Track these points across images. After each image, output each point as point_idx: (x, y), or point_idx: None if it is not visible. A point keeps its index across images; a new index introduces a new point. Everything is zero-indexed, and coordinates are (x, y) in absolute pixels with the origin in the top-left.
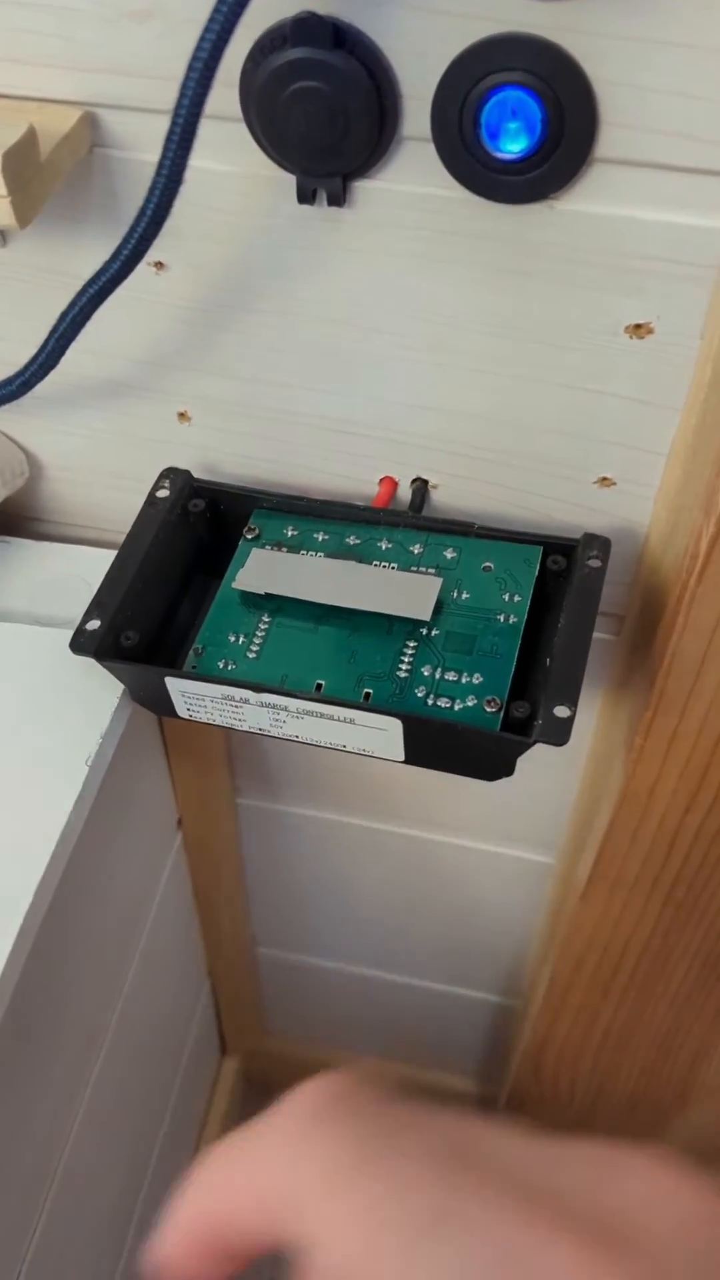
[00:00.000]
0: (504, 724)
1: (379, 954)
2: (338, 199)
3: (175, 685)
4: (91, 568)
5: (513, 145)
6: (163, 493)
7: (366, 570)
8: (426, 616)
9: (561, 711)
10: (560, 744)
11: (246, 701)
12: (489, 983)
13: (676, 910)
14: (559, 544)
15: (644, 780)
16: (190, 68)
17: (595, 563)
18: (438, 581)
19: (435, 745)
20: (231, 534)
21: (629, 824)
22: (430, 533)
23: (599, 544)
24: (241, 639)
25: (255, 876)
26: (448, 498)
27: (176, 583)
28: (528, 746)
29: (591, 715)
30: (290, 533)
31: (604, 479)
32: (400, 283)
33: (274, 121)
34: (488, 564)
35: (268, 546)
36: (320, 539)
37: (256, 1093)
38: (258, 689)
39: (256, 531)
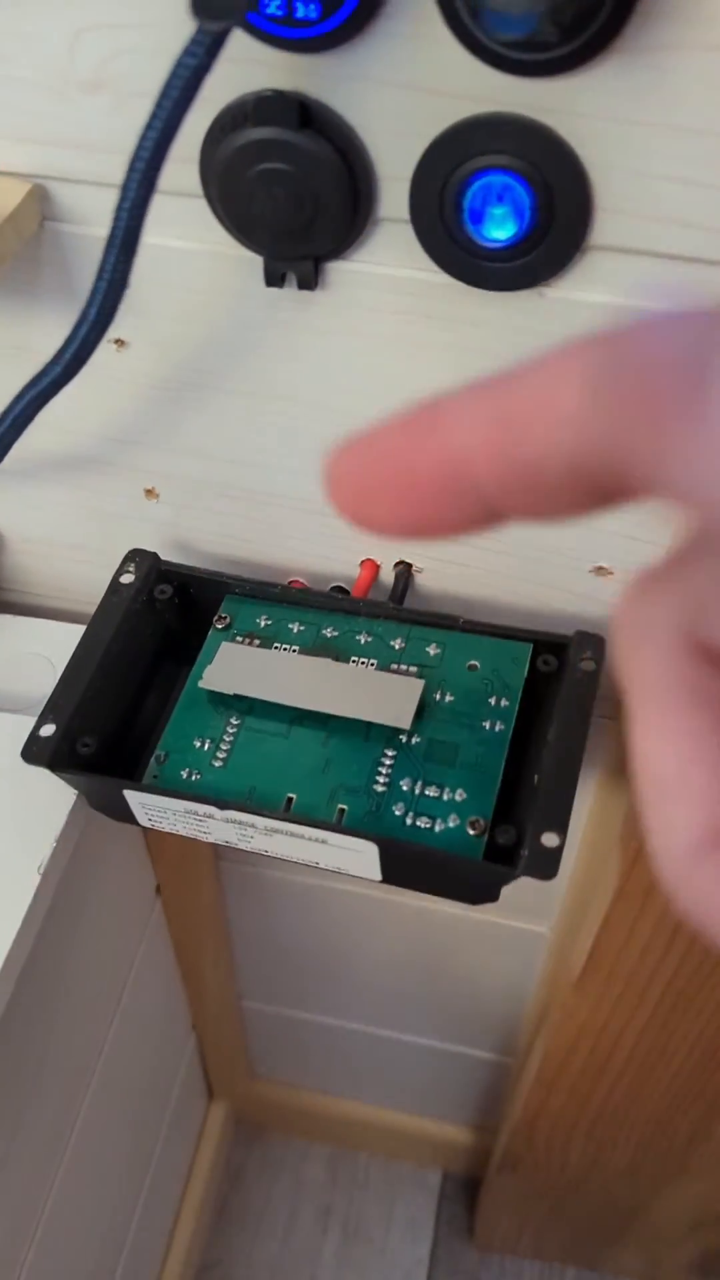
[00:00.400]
0: (488, 850)
1: (370, 1011)
2: (308, 283)
3: (135, 798)
4: (56, 644)
5: (499, 232)
6: (127, 577)
7: (343, 669)
8: (406, 725)
9: (550, 840)
10: (548, 878)
11: (211, 817)
12: (484, 1041)
13: (676, 999)
14: (550, 641)
15: (640, 879)
16: (135, 157)
17: (589, 665)
18: (419, 684)
19: (414, 869)
20: (202, 619)
21: (625, 919)
22: (413, 625)
23: (593, 644)
24: (208, 744)
25: (241, 938)
26: (433, 581)
27: (141, 675)
28: (513, 878)
29: (588, 795)
30: (263, 622)
31: (600, 568)
32: (380, 366)
33: (237, 203)
34: (473, 662)
35: (239, 638)
36: (295, 630)
37: (246, 1134)
38: (223, 805)
39: (227, 620)
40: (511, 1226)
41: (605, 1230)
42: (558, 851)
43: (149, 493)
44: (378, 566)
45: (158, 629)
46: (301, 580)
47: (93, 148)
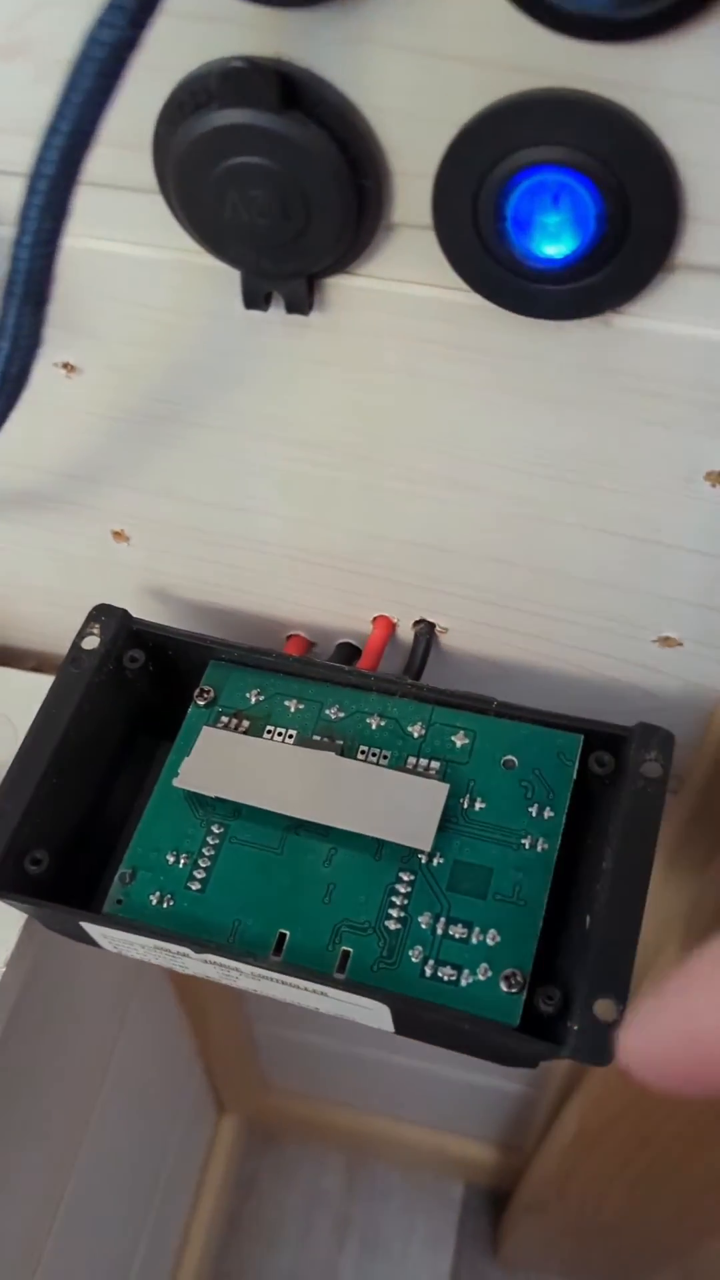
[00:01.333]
0: (527, 1014)
1: (388, 1039)
2: (300, 305)
3: (95, 930)
4: (17, 699)
5: (553, 247)
6: (90, 641)
7: (350, 769)
8: (427, 847)
9: (606, 1011)
10: (602, 1062)
11: (186, 955)
12: (509, 1073)
13: None
14: (605, 734)
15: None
16: (36, 174)
17: (653, 768)
18: (443, 790)
19: (435, 1030)
20: (182, 687)
21: None
22: (436, 706)
23: (659, 741)
24: (183, 860)
25: None
26: (461, 643)
27: (107, 762)
28: (556, 1056)
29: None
30: (254, 698)
31: (666, 638)
32: (395, 408)
33: (202, 209)
34: (510, 758)
35: (224, 718)
36: (293, 709)
37: (259, 1142)
38: (199, 946)
39: (211, 695)
40: (538, 1251)
41: (645, 1262)
42: (613, 1028)
43: (117, 535)
44: (393, 625)
45: (128, 703)
46: (302, 635)
47: (12, 128)
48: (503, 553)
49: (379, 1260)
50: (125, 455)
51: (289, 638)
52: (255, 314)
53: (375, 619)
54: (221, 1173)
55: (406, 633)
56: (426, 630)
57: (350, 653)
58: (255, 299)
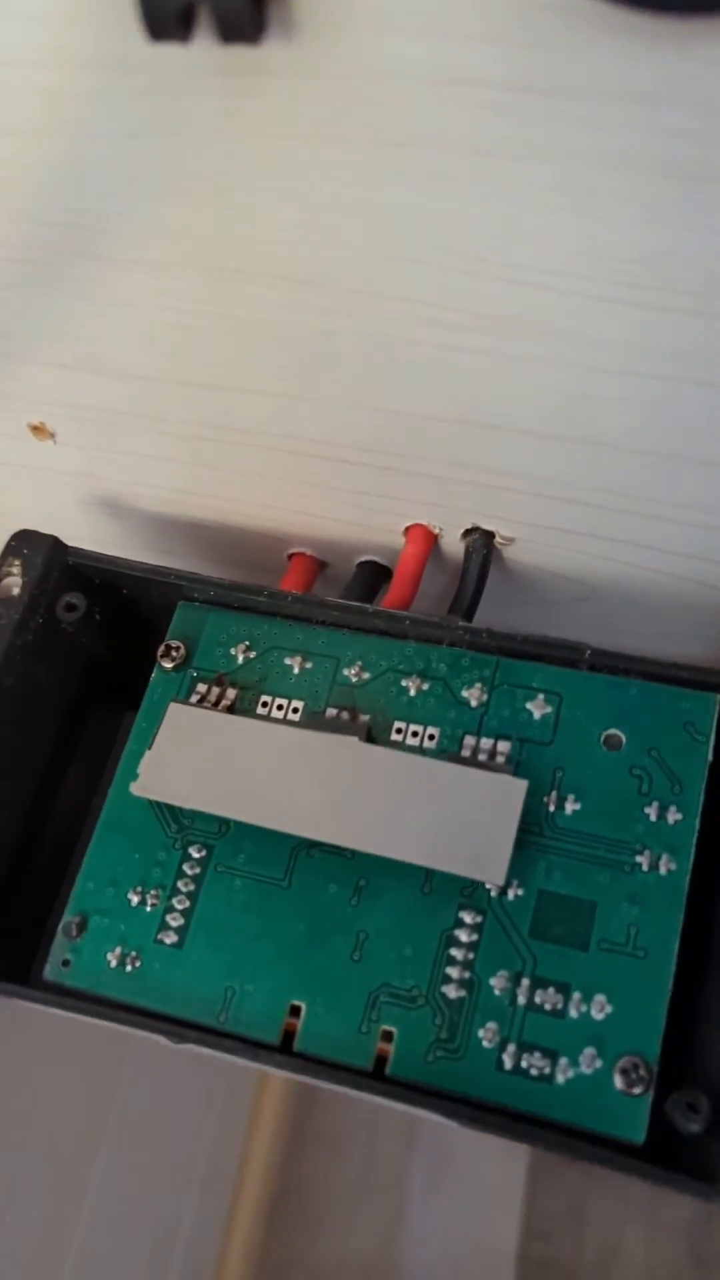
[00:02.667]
0: (655, 1124)
1: None
2: (242, 24)
3: (33, 1006)
4: None
5: None
6: (10, 584)
7: (380, 759)
8: (500, 879)
9: None
10: None
11: (162, 1038)
12: None
13: None
14: None
15: None
16: None
17: None
18: (519, 787)
19: (520, 1135)
20: (144, 639)
21: None
22: (502, 659)
23: None
24: (151, 900)
25: None
26: (531, 558)
27: (44, 752)
28: (709, 1200)
29: None
30: (242, 655)
31: None
32: (415, 201)
33: None
34: (614, 732)
35: (200, 687)
36: (296, 670)
37: None
38: (177, 1034)
39: (181, 653)
40: None
41: None
42: None
43: (37, 430)
44: (434, 536)
45: (70, 669)
46: (308, 553)
47: None
48: (586, 427)
49: (449, 1166)
50: (24, 313)
51: (290, 557)
52: (172, 53)
53: (409, 529)
54: (280, 1084)
55: (453, 547)
56: (481, 542)
57: (374, 576)
58: (164, 22)
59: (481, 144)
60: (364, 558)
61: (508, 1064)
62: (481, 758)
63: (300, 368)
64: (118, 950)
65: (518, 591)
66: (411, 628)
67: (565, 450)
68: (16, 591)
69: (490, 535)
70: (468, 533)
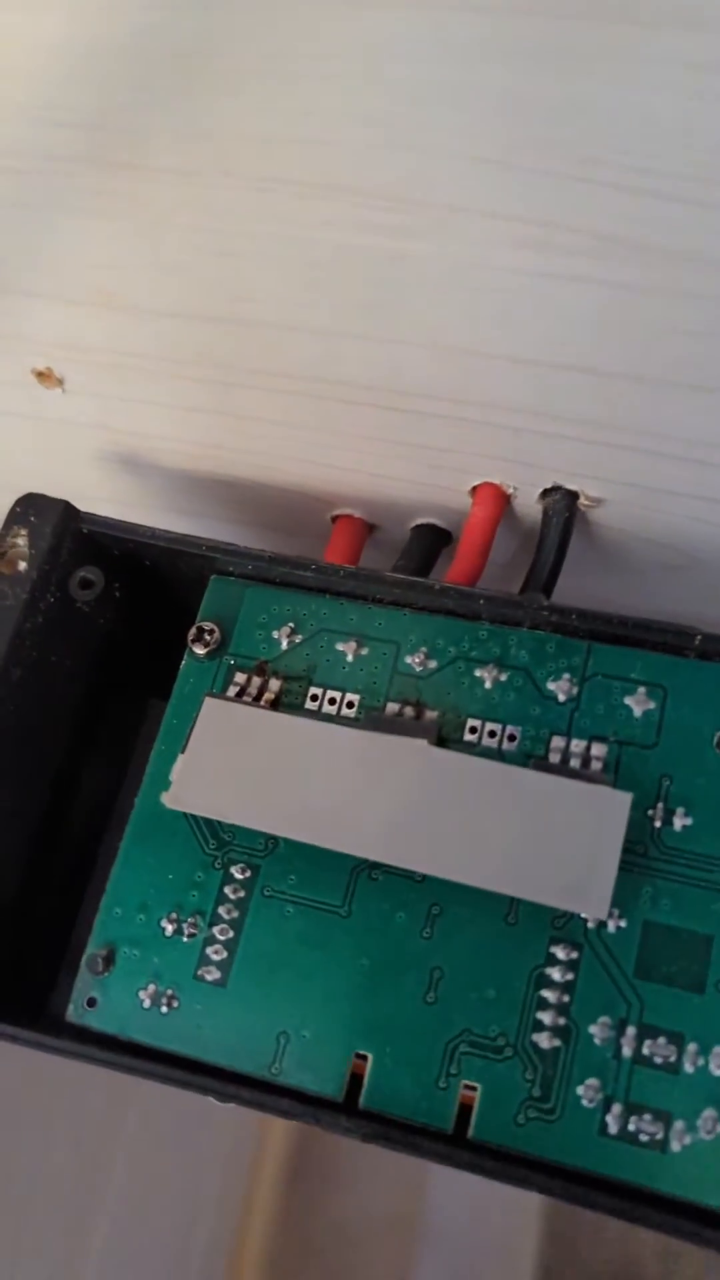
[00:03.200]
0: None
1: None
2: None
3: (52, 1055)
4: None
5: None
6: (15, 558)
7: (452, 766)
8: (603, 913)
9: None
10: None
11: (207, 1092)
12: None
13: None
14: None
15: None
16: None
17: None
18: (622, 801)
19: (626, 1215)
20: (172, 618)
21: None
22: (595, 644)
23: None
24: (188, 928)
25: None
26: (624, 523)
27: (60, 751)
28: None
29: None
30: (286, 639)
31: None
32: (536, 85)
33: None
34: None
35: (238, 677)
36: (350, 657)
37: None
38: (222, 1092)
39: (216, 636)
40: None
41: None
42: None
43: (43, 376)
44: (506, 496)
45: (87, 649)
46: (355, 514)
47: None
48: (713, 372)
49: None
50: (24, 237)
51: (335, 519)
52: None
53: (476, 489)
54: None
55: (528, 509)
56: (564, 504)
57: (433, 541)
58: None
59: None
60: (421, 520)
61: (612, 1127)
62: (573, 763)
63: (360, 301)
64: (151, 988)
65: (599, 559)
66: (486, 607)
67: (683, 399)
68: (24, 566)
69: (574, 496)
70: (547, 493)
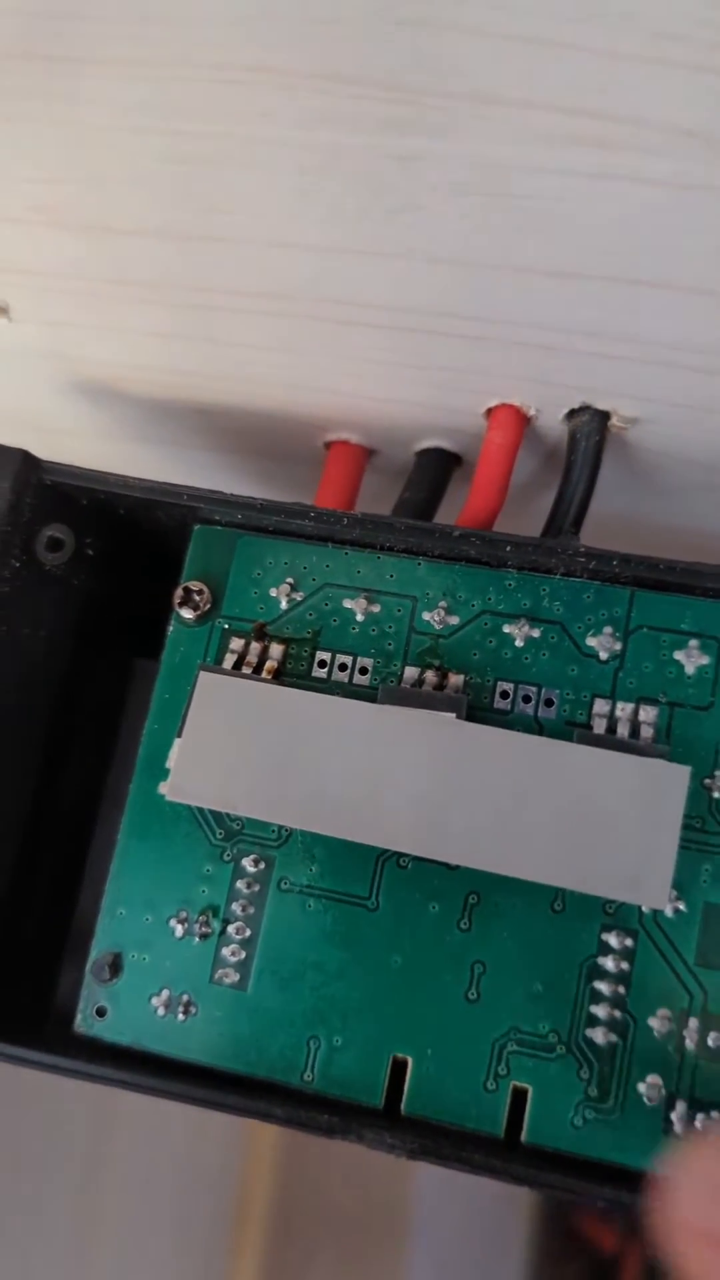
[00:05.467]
0: None
1: None
2: None
3: (55, 1076)
4: None
5: None
6: None
7: (485, 740)
8: (662, 903)
9: None
10: None
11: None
12: None
13: None
14: None
15: None
16: None
17: None
18: (680, 775)
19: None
20: (155, 573)
21: None
22: (638, 591)
23: None
24: (198, 928)
25: None
26: (664, 445)
27: (41, 732)
28: None
29: None
30: (284, 596)
31: None
32: None
33: None
34: None
35: (234, 642)
36: (358, 614)
37: None
38: (245, 1106)
39: (205, 597)
40: None
41: None
42: None
43: None
44: (526, 419)
45: (62, 616)
46: (352, 441)
47: None
48: None
49: None
50: None
51: (329, 445)
52: None
53: (492, 410)
54: None
55: (551, 431)
56: (593, 425)
57: (442, 467)
58: None
59: None
60: (427, 444)
61: (678, 1126)
62: (620, 731)
63: (360, 210)
64: (164, 994)
65: (630, 483)
66: (513, 554)
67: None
68: None
69: (605, 416)
70: (574, 414)
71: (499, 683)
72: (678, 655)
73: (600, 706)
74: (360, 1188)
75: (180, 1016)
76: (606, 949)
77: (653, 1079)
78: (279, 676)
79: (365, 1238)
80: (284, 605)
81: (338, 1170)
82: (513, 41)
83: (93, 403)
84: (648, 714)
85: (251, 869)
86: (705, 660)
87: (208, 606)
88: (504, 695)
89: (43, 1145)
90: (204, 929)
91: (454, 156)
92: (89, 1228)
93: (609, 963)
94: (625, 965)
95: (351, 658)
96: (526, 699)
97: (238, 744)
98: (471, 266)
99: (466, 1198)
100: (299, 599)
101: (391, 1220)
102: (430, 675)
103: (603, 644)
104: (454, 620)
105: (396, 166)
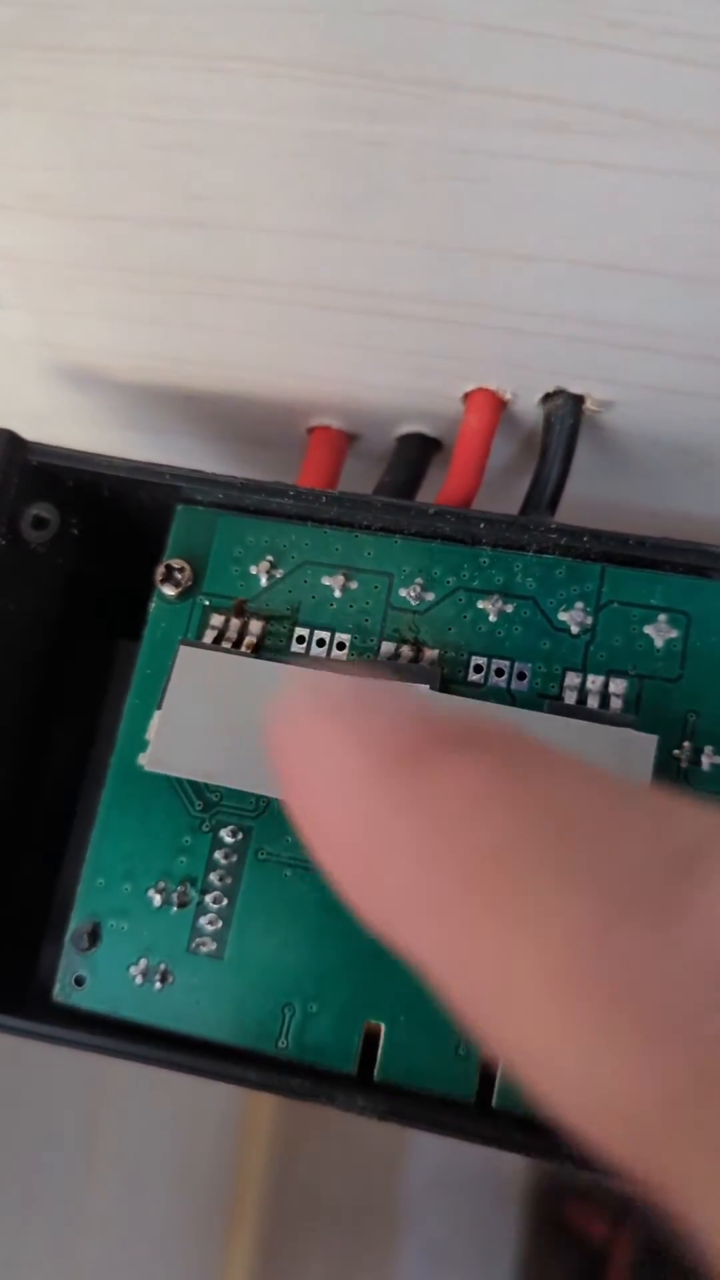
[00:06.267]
0: None
1: None
2: None
3: (35, 1042)
4: None
5: None
6: None
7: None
8: None
9: None
10: None
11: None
12: None
13: None
14: None
15: None
16: None
17: None
18: (648, 744)
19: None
20: (139, 553)
21: None
22: (609, 567)
23: None
24: (176, 898)
25: None
26: (638, 427)
27: (25, 709)
28: None
29: None
30: (265, 574)
31: None
32: None
33: None
34: None
35: (214, 618)
36: (337, 592)
37: None
38: (224, 1070)
39: (187, 574)
40: None
41: None
42: None
43: None
44: (502, 401)
45: (46, 594)
46: (333, 426)
47: None
48: None
49: None
50: None
51: (311, 430)
52: None
53: (469, 395)
54: None
55: (527, 416)
56: (568, 409)
57: (421, 452)
58: None
59: None
60: (407, 429)
61: None
62: (590, 702)
63: (334, 195)
64: (142, 963)
65: (606, 465)
66: (487, 531)
67: (706, 293)
68: None
69: (579, 400)
70: (549, 398)
71: (473, 657)
72: (647, 629)
73: (571, 679)
74: (353, 1179)
75: (158, 985)
76: None
77: None
78: (258, 652)
79: (358, 1228)
80: (264, 582)
81: (331, 1161)
82: (472, 28)
83: (78, 389)
84: (617, 686)
85: (229, 839)
86: (674, 634)
87: (189, 584)
88: (478, 669)
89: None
90: (182, 899)
91: (423, 142)
92: (79, 1218)
93: None
94: None
95: (329, 633)
96: (499, 672)
97: (216, 716)
98: (443, 251)
99: (458, 1189)
100: (279, 576)
101: (384, 1211)
102: (406, 650)
103: (574, 619)
104: (430, 596)
105: (369, 152)
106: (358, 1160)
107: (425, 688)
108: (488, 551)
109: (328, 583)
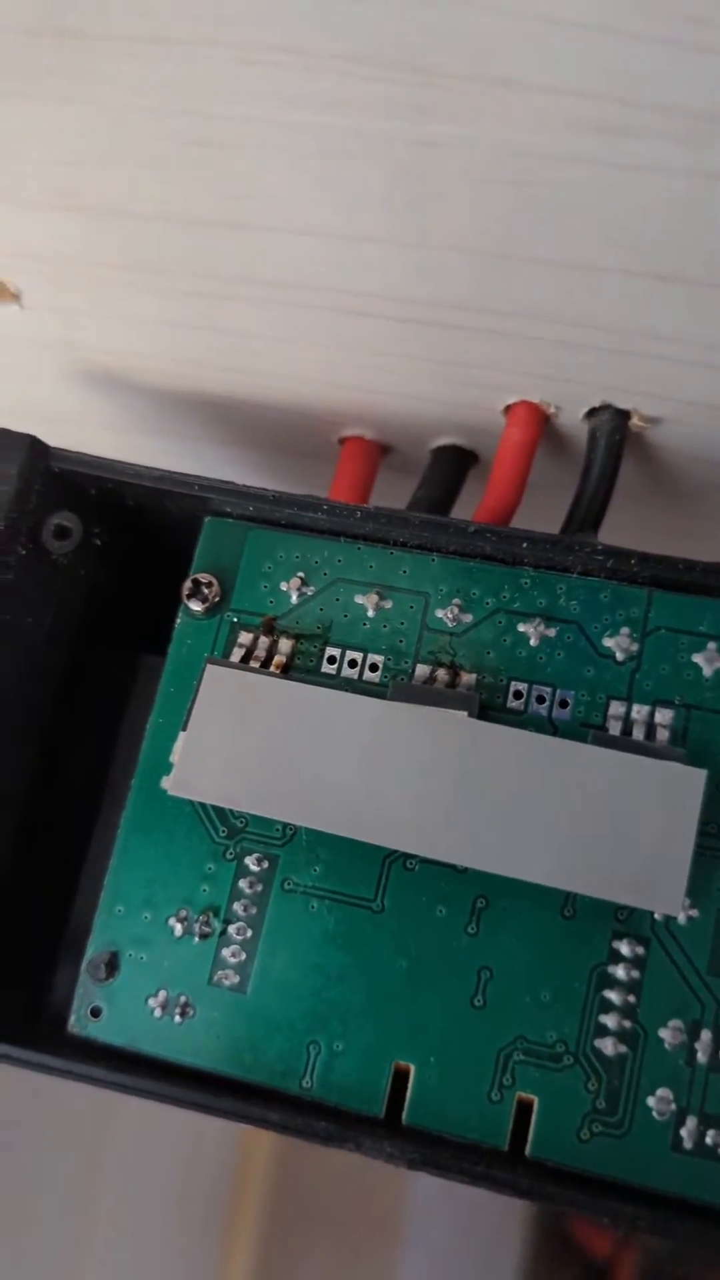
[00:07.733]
0: None
1: None
2: None
3: (49, 1076)
4: None
5: None
6: None
7: (498, 740)
8: (676, 910)
9: None
10: None
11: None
12: None
13: None
14: None
15: None
16: None
17: None
18: (696, 778)
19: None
20: (164, 567)
21: None
22: (656, 591)
23: None
24: (199, 928)
25: None
26: (687, 445)
27: (39, 723)
28: None
29: None
30: (295, 590)
31: None
32: None
33: None
34: None
35: (243, 636)
36: (370, 611)
37: None
38: (243, 1111)
39: (215, 590)
40: None
41: None
42: None
43: None
44: (545, 417)
45: (68, 606)
46: (367, 437)
47: None
48: None
49: None
50: None
51: (343, 441)
52: None
53: (511, 407)
54: None
55: (571, 430)
56: (614, 425)
57: (457, 465)
58: None
59: None
60: (443, 441)
61: (688, 1142)
62: (636, 733)
63: (377, 198)
64: (161, 995)
65: (651, 484)
66: (529, 551)
67: None
68: None
69: (625, 415)
70: (594, 412)
71: (513, 682)
72: (696, 658)
73: (616, 708)
74: (354, 1190)
75: (177, 1018)
76: (617, 957)
77: (663, 1092)
78: (287, 672)
79: (358, 1240)
80: (294, 600)
81: (332, 1172)
82: (536, 22)
83: (101, 393)
84: (664, 717)
85: (255, 868)
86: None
87: (216, 599)
88: (517, 695)
89: (38, 1147)
90: (204, 929)
91: (475, 143)
92: (84, 1230)
93: (619, 971)
94: (636, 974)
95: (362, 654)
96: (540, 699)
97: (243, 739)
98: (491, 258)
99: (460, 1201)
100: (309, 593)
101: (384, 1223)
102: (442, 673)
103: (619, 645)
104: (468, 618)
105: (418, 152)
106: (360, 1170)
107: (463, 714)
108: (529, 572)
109: (361, 601)
